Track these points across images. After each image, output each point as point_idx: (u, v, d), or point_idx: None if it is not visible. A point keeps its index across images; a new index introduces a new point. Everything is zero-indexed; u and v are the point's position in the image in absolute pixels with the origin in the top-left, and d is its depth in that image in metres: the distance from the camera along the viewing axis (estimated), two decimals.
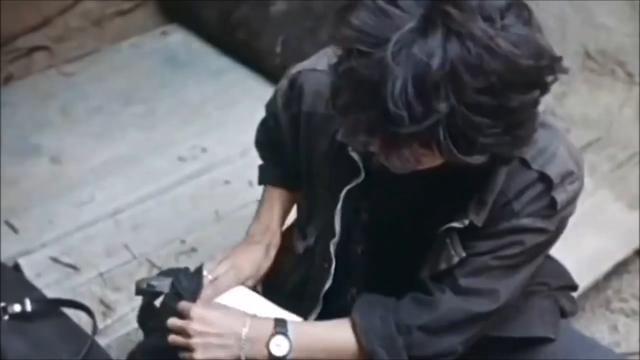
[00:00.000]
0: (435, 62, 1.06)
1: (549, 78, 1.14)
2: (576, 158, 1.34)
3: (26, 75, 2.72)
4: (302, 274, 1.57)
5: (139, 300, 1.57)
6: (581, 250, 2.21)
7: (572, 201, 1.35)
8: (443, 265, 1.37)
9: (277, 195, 1.64)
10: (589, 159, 2.45)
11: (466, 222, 1.32)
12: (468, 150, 1.12)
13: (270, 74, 2.71)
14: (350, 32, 1.11)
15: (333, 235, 1.45)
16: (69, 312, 1.67)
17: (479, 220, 1.32)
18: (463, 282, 1.38)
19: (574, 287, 1.65)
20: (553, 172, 1.30)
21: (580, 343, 1.61)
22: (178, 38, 2.92)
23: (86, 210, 2.27)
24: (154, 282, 1.50)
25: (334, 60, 1.16)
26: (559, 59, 1.14)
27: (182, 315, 1.42)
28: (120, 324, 1.99)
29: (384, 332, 1.40)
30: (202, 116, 2.59)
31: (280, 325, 1.40)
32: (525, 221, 1.33)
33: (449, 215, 1.33)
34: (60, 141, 2.47)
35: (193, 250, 2.18)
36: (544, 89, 1.14)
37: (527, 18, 1.12)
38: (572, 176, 1.33)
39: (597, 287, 2.33)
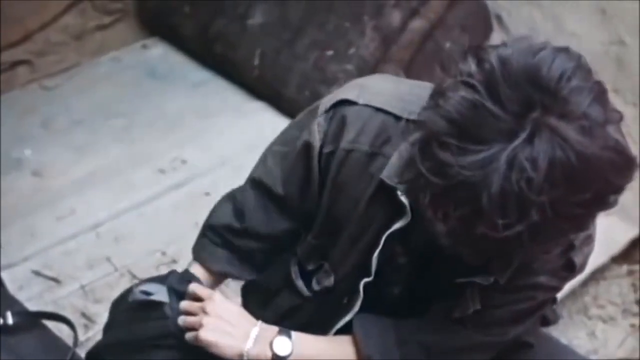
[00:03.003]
0: (540, 174, 1.03)
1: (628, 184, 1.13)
2: (595, 220, 1.34)
3: (8, 90, 2.72)
4: (312, 313, 1.50)
5: None
6: None
7: (585, 262, 1.37)
8: (457, 314, 1.37)
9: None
10: None
11: (491, 279, 1.31)
12: (541, 248, 1.14)
13: (249, 86, 2.73)
14: (444, 123, 1.07)
15: (367, 275, 1.37)
16: (51, 324, 1.68)
17: (503, 279, 1.31)
18: (472, 330, 1.39)
19: (553, 300, 1.68)
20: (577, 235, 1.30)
21: (558, 351, 1.63)
22: (158, 51, 2.93)
23: (67, 223, 2.27)
24: (149, 289, 1.45)
25: (415, 137, 1.11)
26: (635, 160, 1.12)
27: (199, 299, 1.39)
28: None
29: (382, 343, 1.41)
30: (182, 128, 2.61)
31: (284, 330, 1.39)
32: (542, 279, 1.34)
33: (474, 268, 1.30)
34: (42, 155, 2.48)
35: (174, 261, 2.18)
36: (621, 193, 1.14)
37: (607, 101, 1.11)
38: (589, 239, 1.34)
39: (575, 293, 2.35)
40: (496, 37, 2.80)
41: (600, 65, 2.78)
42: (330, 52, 2.61)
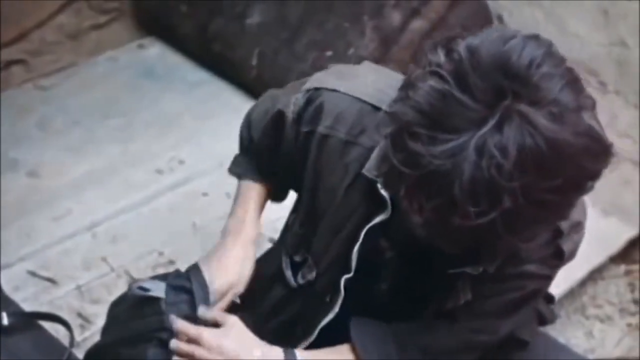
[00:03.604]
0: (510, 161, 1.03)
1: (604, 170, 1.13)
2: (584, 208, 1.35)
3: (3, 90, 2.71)
4: (299, 307, 1.51)
5: None
6: None
7: (575, 250, 1.36)
8: (449, 305, 1.37)
9: (255, 191, 1.54)
10: None
11: (480, 269, 1.31)
12: (517, 237, 1.12)
13: (247, 86, 2.72)
14: (414, 113, 1.07)
15: (347, 272, 1.38)
16: (47, 325, 1.67)
17: (491, 269, 1.31)
18: (465, 322, 1.39)
19: (551, 298, 1.68)
20: (564, 223, 1.29)
21: (554, 348, 1.64)
22: (155, 51, 2.93)
23: (64, 223, 2.27)
24: (147, 285, 1.44)
25: (387, 130, 1.12)
26: (611, 147, 1.12)
27: (191, 339, 1.36)
28: (98, 337, 1.98)
29: (382, 349, 1.40)
30: (180, 128, 2.60)
31: (289, 351, 1.38)
32: (532, 268, 1.33)
33: (464, 259, 1.31)
34: (38, 155, 2.46)
35: (171, 262, 2.18)
36: (598, 179, 1.13)
37: (580, 88, 1.10)
38: (578, 226, 1.34)
39: (573, 293, 2.35)
40: None
41: (602, 67, 2.82)
42: (329, 53, 2.60)
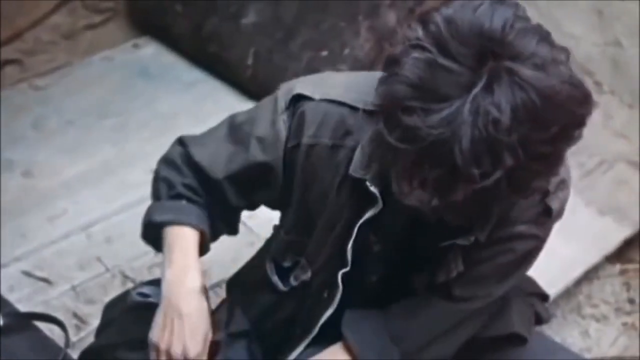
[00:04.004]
0: (506, 116, 1.05)
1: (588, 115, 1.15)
2: (567, 166, 1.36)
3: None
4: (293, 308, 1.52)
5: None
6: (552, 256, 2.20)
7: (563, 208, 1.37)
8: (441, 278, 1.39)
9: (193, 237, 1.43)
10: None
11: (472, 239, 1.33)
12: (520, 195, 1.15)
13: (242, 86, 2.72)
14: (404, 88, 1.08)
15: (344, 266, 1.40)
16: (42, 325, 1.67)
17: (483, 236, 1.33)
18: (458, 291, 1.41)
19: (545, 297, 1.68)
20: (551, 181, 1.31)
21: (550, 347, 1.65)
22: (150, 51, 2.91)
23: (59, 223, 2.26)
24: (146, 291, 1.44)
25: (378, 124, 1.12)
26: (591, 93, 1.15)
27: None
28: (94, 337, 1.98)
29: (377, 343, 1.42)
30: (175, 128, 2.56)
31: None
32: (521, 228, 1.35)
33: (455, 231, 1.33)
34: (33, 155, 2.45)
35: None
36: (584, 126, 1.16)
37: (552, 42, 1.13)
38: (563, 184, 1.35)
39: (568, 292, 2.36)
40: None
41: (597, 66, 2.82)
42: (324, 52, 2.60)
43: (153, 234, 1.46)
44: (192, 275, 1.39)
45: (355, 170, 1.32)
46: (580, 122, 1.12)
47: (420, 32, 1.10)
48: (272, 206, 1.51)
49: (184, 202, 1.44)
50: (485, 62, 1.07)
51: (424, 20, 1.11)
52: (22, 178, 2.39)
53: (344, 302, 1.44)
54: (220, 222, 1.48)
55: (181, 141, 1.49)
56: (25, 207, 2.29)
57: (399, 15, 2.60)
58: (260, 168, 1.40)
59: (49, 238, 2.22)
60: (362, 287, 1.45)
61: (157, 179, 1.49)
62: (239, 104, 2.68)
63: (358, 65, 2.58)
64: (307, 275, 1.47)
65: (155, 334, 1.36)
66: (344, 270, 1.40)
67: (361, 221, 1.35)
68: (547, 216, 1.35)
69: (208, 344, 1.38)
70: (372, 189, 1.31)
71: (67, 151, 2.48)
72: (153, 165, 2.44)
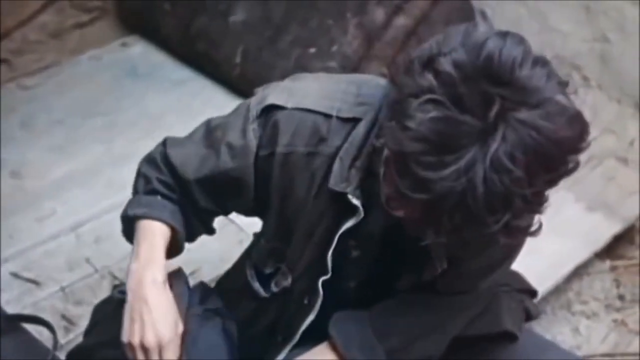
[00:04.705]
0: (520, 167, 1.07)
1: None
2: None
3: None
4: (275, 314, 1.53)
5: None
6: (542, 252, 2.22)
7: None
8: (426, 277, 1.40)
9: (162, 232, 1.43)
10: None
11: None
12: (524, 225, 1.17)
13: (231, 84, 2.71)
14: (419, 145, 1.08)
15: (324, 273, 1.41)
16: (30, 327, 1.66)
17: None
18: (442, 287, 1.42)
19: (534, 293, 1.69)
20: None
21: (541, 344, 1.65)
22: (138, 49, 2.91)
23: (47, 224, 2.25)
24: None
25: (385, 156, 1.14)
26: (588, 124, 1.16)
27: None
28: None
29: (363, 343, 1.42)
30: (164, 127, 2.56)
31: None
32: None
33: None
34: (21, 155, 2.44)
35: None
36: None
37: (556, 73, 1.13)
38: None
39: (558, 289, 2.35)
40: None
41: (585, 62, 2.82)
42: (312, 50, 2.60)
43: (128, 227, 1.48)
44: (156, 269, 1.39)
45: (335, 183, 1.33)
46: (580, 153, 1.14)
47: (433, 82, 1.10)
48: (249, 214, 1.52)
49: (158, 197, 1.45)
50: (491, 105, 1.07)
51: (435, 68, 1.10)
52: (10, 178, 2.38)
53: (324, 308, 1.44)
54: (195, 220, 1.48)
55: (164, 141, 1.51)
56: (13, 207, 2.28)
57: (387, 12, 2.60)
58: (229, 176, 1.41)
59: (37, 239, 2.21)
60: (342, 293, 1.46)
61: (138, 175, 1.51)
62: (228, 103, 2.65)
63: (347, 61, 2.58)
64: (287, 282, 1.47)
65: (126, 332, 1.36)
66: (324, 277, 1.41)
67: (342, 230, 1.35)
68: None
69: (180, 332, 1.38)
70: (354, 201, 1.32)
71: (56, 151, 2.47)
72: None
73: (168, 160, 1.46)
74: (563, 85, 1.13)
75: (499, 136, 1.06)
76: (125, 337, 1.36)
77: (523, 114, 1.07)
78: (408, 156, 1.09)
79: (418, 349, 1.46)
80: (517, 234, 1.16)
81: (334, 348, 1.43)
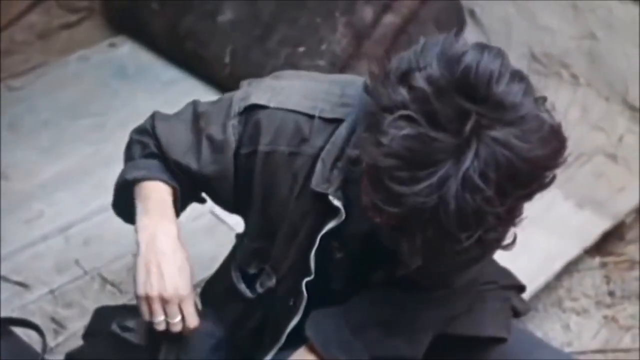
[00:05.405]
0: (491, 187, 1.07)
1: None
2: None
3: None
4: (262, 316, 1.53)
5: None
6: (532, 249, 2.23)
7: None
8: (400, 272, 1.39)
9: (167, 192, 1.43)
10: None
11: None
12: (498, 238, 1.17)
13: (220, 84, 2.71)
14: (392, 161, 1.09)
15: (308, 275, 1.40)
16: (19, 331, 1.65)
17: None
18: (417, 282, 1.42)
19: (522, 288, 1.68)
20: None
21: (531, 343, 1.64)
22: (126, 50, 2.90)
23: (35, 226, 2.24)
24: (127, 324, 1.43)
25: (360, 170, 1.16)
26: (566, 140, 1.16)
27: None
28: (72, 341, 1.95)
29: (339, 339, 1.42)
30: None
31: None
32: None
33: None
34: (8, 157, 2.43)
35: None
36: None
37: (532, 88, 1.13)
38: None
39: (549, 286, 2.36)
40: (470, 32, 2.80)
41: (573, 59, 2.83)
42: (302, 49, 2.60)
43: (122, 196, 1.46)
44: (169, 222, 1.38)
45: (317, 184, 1.33)
46: (555, 169, 1.14)
47: (406, 97, 1.09)
48: (230, 209, 1.52)
49: (156, 161, 1.45)
50: (466, 121, 1.07)
51: (409, 84, 1.10)
52: None
53: (311, 310, 1.44)
54: (184, 187, 1.46)
55: (152, 115, 1.53)
56: (0, 209, 2.27)
57: (375, 10, 2.60)
58: (207, 178, 1.42)
59: (25, 241, 2.20)
60: (329, 296, 1.45)
61: (131, 143, 1.51)
62: None
63: (336, 60, 2.58)
64: (272, 282, 1.47)
65: (142, 285, 1.33)
66: (307, 278, 1.40)
67: (324, 231, 1.36)
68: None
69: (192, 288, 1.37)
70: (336, 202, 1.32)
71: (44, 152, 2.46)
72: None
73: (155, 132, 1.47)
74: (540, 101, 1.13)
75: (472, 153, 1.07)
76: (141, 290, 1.33)
77: (497, 132, 1.07)
78: (382, 171, 1.10)
79: (394, 344, 1.44)
80: (491, 247, 1.17)
81: (313, 349, 1.43)
